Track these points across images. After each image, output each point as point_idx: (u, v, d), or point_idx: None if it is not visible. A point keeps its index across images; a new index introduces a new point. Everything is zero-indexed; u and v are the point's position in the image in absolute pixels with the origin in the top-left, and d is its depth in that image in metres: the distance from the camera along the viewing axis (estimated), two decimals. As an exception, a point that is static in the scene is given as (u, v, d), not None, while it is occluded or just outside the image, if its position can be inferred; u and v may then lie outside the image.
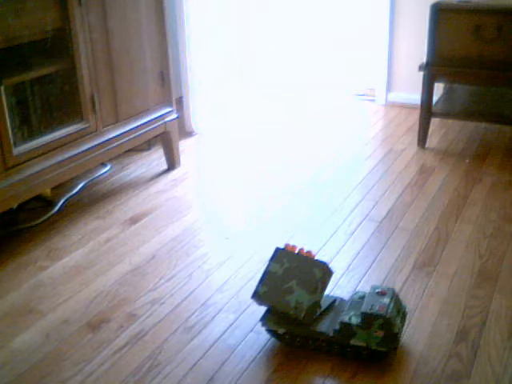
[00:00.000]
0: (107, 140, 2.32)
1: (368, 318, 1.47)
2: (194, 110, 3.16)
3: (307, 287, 1.54)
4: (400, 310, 1.54)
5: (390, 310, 1.48)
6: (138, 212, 2.35)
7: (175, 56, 2.87)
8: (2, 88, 1.88)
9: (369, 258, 2.00)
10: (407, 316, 1.61)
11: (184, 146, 2.95)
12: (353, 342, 1.49)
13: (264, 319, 1.58)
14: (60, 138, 2.13)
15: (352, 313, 1.51)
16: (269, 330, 1.60)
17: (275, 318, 1.57)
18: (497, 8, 2.56)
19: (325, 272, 1.58)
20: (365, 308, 1.48)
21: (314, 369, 1.51)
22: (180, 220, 2.28)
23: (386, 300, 1.51)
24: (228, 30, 3.57)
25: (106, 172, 2.71)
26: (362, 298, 1.54)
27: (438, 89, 3.08)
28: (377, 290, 1.55)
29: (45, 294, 1.84)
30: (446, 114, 3.05)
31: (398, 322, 1.51)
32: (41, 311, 1.76)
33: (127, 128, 2.42)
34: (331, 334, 1.52)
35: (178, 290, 1.85)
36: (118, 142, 2.38)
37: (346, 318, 1.50)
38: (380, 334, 1.46)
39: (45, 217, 2.30)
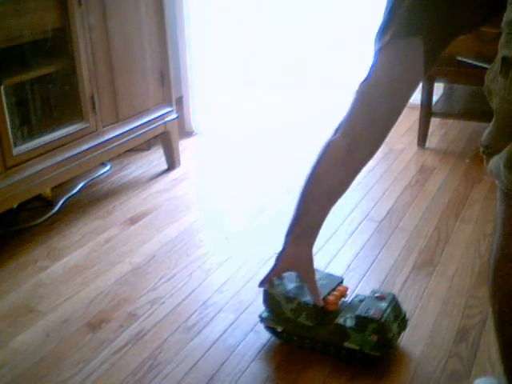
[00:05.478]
0: (107, 140, 2.32)
1: (362, 322, 1.47)
2: (194, 110, 3.16)
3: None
4: (399, 316, 1.53)
5: (385, 315, 1.47)
6: (138, 212, 2.35)
7: (175, 56, 2.86)
8: (2, 88, 1.88)
9: (369, 258, 1.99)
10: (408, 322, 1.61)
11: (184, 146, 2.95)
12: (346, 344, 1.49)
13: (263, 316, 1.59)
14: (60, 138, 2.13)
15: (348, 315, 1.51)
16: (267, 327, 1.60)
17: (271, 316, 1.57)
18: (497, 8, 2.55)
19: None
20: (360, 311, 1.48)
21: (315, 369, 1.51)
22: (180, 220, 2.27)
23: (384, 305, 1.50)
24: (228, 30, 3.57)
25: (105, 172, 2.70)
26: (362, 301, 1.54)
27: (438, 89, 3.08)
28: (376, 295, 1.54)
29: (45, 294, 1.84)
30: (446, 114, 3.05)
31: (395, 327, 1.50)
32: (41, 311, 1.76)
33: (127, 128, 2.42)
34: (326, 334, 1.51)
35: (177, 290, 1.85)
36: (118, 142, 2.38)
37: (341, 320, 1.50)
38: (374, 338, 1.46)
39: (45, 217, 2.30)
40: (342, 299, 1.57)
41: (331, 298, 1.52)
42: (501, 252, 1.18)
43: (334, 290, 1.55)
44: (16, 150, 1.96)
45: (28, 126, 2.15)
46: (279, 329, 1.57)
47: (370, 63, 1.14)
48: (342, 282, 1.61)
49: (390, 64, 1.11)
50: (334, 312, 1.53)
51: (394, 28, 1.08)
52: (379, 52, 1.11)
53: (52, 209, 2.36)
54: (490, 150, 1.14)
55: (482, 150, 1.17)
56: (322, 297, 1.50)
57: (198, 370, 1.51)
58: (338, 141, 1.20)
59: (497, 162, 1.10)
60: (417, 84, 1.15)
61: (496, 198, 1.21)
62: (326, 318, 1.52)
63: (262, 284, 1.55)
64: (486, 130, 1.15)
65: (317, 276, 1.57)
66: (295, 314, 1.52)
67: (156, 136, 2.66)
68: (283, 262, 1.47)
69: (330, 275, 1.61)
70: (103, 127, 2.31)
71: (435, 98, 2.95)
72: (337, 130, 1.22)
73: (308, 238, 1.41)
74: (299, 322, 1.52)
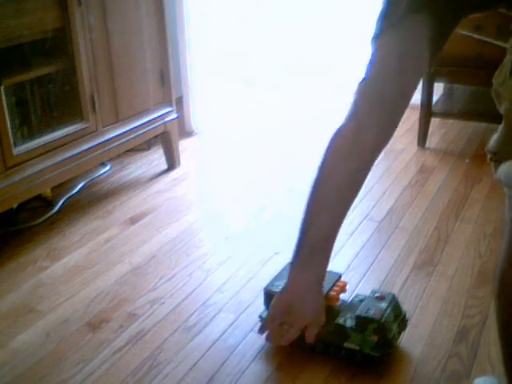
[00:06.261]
0: (107, 140, 2.32)
1: (362, 322, 1.47)
2: (194, 110, 3.16)
3: None
4: (399, 317, 1.53)
5: (385, 315, 1.47)
6: (138, 212, 2.35)
7: (175, 55, 2.86)
8: (2, 88, 1.88)
9: (369, 258, 1.99)
10: (408, 322, 1.60)
11: (184, 146, 2.95)
12: (346, 344, 1.49)
13: (263, 317, 1.59)
14: (60, 138, 2.13)
15: (348, 315, 1.51)
16: (268, 328, 1.60)
17: None
18: (497, 8, 2.55)
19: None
20: (360, 311, 1.48)
21: (315, 369, 1.51)
22: (180, 220, 2.27)
23: (384, 305, 1.50)
24: (228, 30, 3.57)
25: (105, 172, 2.70)
26: (362, 301, 1.54)
27: (438, 89, 3.08)
28: (376, 295, 1.54)
29: (45, 294, 1.84)
30: (446, 114, 3.05)
31: (395, 327, 1.50)
32: (41, 311, 1.76)
33: (127, 128, 2.42)
34: (326, 334, 1.51)
35: (177, 290, 1.85)
36: (118, 142, 2.38)
37: (341, 320, 1.50)
38: (374, 338, 1.46)
39: (45, 217, 2.30)
40: (342, 294, 1.58)
41: (333, 293, 1.53)
42: (507, 261, 1.16)
43: (333, 285, 1.55)
44: (16, 150, 1.96)
45: (28, 126, 2.15)
46: (279, 329, 1.57)
47: (371, 49, 1.04)
48: (340, 278, 1.61)
49: (394, 43, 1.01)
50: (336, 310, 1.53)
51: (397, 8, 1.00)
52: (381, 35, 1.02)
53: (52, 209, 2.35)
54: (498, 157, 1.10)
55: (489, 157, 1.13)
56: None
57: (197, 370, 1.51)
58: (344, 127, 1.07)
59: (507, 168, 1.06)
60: (424, 64, 1.03)
61: (495, 198, 1.20)
62: (329, 316, 1.52)
63: (260, 331, 1.31)
64: (494, 135, 1.12)
65: None
66: None
67: (156, 136, 2.66)
68: (281, 298, 1.14)
69: (328, 272, 1.61)
70: (103, 127, 2.31)
71: (435, 97, 2.95)
72: (344, 119, 1.09)
73: (318, 258, 1.10)
74: None
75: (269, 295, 1.56)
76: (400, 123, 1.09)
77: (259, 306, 1.66)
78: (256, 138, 3.12)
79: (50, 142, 2.09)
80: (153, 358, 1.56)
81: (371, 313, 1.47)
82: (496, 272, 1.21)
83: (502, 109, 1.06)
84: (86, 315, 1.74)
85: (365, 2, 3.48)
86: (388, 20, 1.01)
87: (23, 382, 1.50)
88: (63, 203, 2.41)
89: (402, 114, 1.05)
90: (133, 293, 1.84)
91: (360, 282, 1.86)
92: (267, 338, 1.25)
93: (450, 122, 3.21)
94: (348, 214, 2.27)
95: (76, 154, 2.19)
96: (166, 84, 2.61)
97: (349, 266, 1.94)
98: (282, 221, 2.27)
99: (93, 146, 2.25)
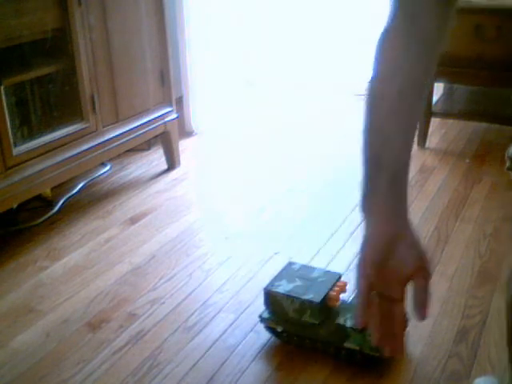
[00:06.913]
0: (107, 140, 2.32)
1: None
2: (194, 110, 3.16)
3: (316, 292, 1.52)
4: None
5: None
6: (138, 212, 2.35)
7: (175, 55, 2.86)
8: (2, 88, 1.88)
9: (369, 257, 1.99)
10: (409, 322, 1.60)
11: (184, 146, 2.95)
12: (346, 344, 1.49)
13: (263, 317, 1.59)
14: (60, 138, 2.13)
15: (348, 315, 1.51)
16: (267, 327, 1.61)
17: (273, 317, 1.58)
18: (497, 8, 2.56)
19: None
20: None
21: (315, 368, 1.51)
22: (180, 220, 2.27)
23: None
24: (228, 30, 3.57)
25: (105, 172, 2.70)
26: None
27: (438, 89, 3.08)
28: None
29: (45, 294, 1.84)
30: (446, 114, 3.05)
31: None
32: (41, 311, 1.76)
33: (127, 128, 2.42)
34: (326, 334, 1.51)
35: (177, 290, 1.85)
36: (118, 142, 2.38)
37: (341, 320, 1.50)
38: None
39: (45, 217, 2.30)
40: (342, 294, 1.58)
41: (333, 293, 1.53)
42: None
43: (334, 286, 1.55)
44: (16, 150, 1.96)
45: (28, 126, 2.15)
46: (279, 329, 1.57)
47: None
48: (340, 278, 1.61)
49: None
50: (336, 310, 1.53)
51: None
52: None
53: (52, 209, 2.35)
54: None
55: (508, 164, 1.10)
56: (323, 295, 1.51)
57: (197, 370, 1.51)
58: (394, 21, 0.78)
59: None
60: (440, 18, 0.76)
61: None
62: (329, 315, 1.52)
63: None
64: None
65: (315, 274, 1.58)
66: (299, 313, 1.52)
67: (156, 136, 2.66)
68: (376, 243, 0.81)
69: (328, 272, 1.62)
70: (103, 127, 2.31)
71: (435, 98, 2.95)
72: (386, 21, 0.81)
73: (402, 187, 0.79)
74: (304, 320, 1.52)
75: (269, 295, 1.56)
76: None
77: (259, 306, 1.66)
78: (256, 138, 3.12)
79: (50, 141, 2.09)
80: (153, 357, 1.56)
81: None
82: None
83: None
84: (86, 315, 1.74)
85: (365, 3, 3.48)
86: None
87: (23, 382, 1.50)
88: (63, 203, 2.41)
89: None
90: (133, 293, 1.84)
91: (360, 282, 1.86)
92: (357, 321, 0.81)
93: (450, 122, 3.21)
94: (348, 213, 2.27)
95: (76, 154, 2.19)
96: (166, 84, 2.61)
97: (349, 266, 1.94)
98: (282, 221, 2.27)
99: (93, 146, 2.25)
